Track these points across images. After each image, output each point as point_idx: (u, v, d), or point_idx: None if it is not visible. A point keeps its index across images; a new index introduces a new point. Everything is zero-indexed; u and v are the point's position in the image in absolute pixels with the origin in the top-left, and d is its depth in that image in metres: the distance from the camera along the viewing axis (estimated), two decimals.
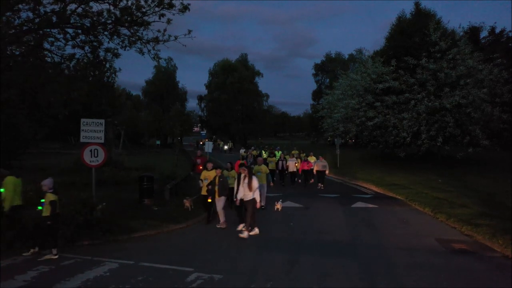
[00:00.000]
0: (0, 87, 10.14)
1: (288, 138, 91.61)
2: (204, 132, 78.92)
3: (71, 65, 11.52)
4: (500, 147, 22.60)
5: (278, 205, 11.77)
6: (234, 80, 61.60)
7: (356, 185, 19.44)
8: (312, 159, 18.81)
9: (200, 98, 69.94)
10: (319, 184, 17.75)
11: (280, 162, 18.19)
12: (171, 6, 10.75)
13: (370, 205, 13.04)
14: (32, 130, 23.21)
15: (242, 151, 31.75)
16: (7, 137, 19.79)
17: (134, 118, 58.70)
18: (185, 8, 10.89)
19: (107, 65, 12.24)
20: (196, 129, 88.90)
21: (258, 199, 9.00)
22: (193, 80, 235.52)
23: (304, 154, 20.61)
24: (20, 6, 10.18)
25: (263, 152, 24.97)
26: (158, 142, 62.04)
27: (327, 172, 18.02)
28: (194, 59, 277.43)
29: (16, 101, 11.61)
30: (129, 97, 70.09)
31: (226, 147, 53.69)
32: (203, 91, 71.65)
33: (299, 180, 18.41)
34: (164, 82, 65.30)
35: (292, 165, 18.13)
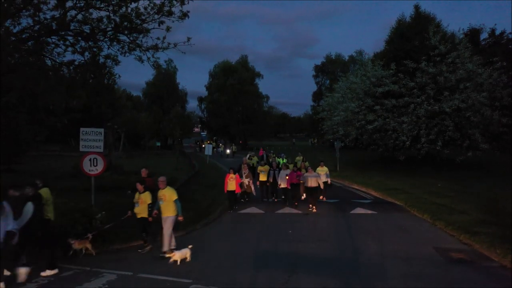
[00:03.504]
0: (0, 90, 10.17)
1: (288, 139, 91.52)
2: (204, 133, 79.06)
3: (71, 67, 11.56)
4: (499, 150, 22.62)
5: (176, 257, 7.78)
6: (234, 82, 61.61)
7: (355, 190, 19.40)
8: (323, 170, 15.00)
9: (200, 100, 69.98)
10: (310, 205, 13.40)
11: (271, 172, 14.98)
12: (170, 13, 10.79)
13: (369, 211, 13.05)
14: (32, 132, 23.21)
15: (247, 156, 26.61)
16: (7, 140, 19.78)
17: (134, 120, 58.81)
18: (184, 15, 10.91)
19: (107, 69, 12.29)
20: (196, 129, 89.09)
21: None
22: (194, 80, 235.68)
23: (307, 163, 16.75)
24: (20, 12, 10.21)
25: (281, 159, 19.93)
26: (158, 144, 62.13)
27: (321, 185, 13.72)
28: (194, 60, 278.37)
29: (16, 104, 11.65)
30: (129, 98, 70.18)
31: (228, 151, 45.55)
32: (204, 91, 71.64)
33: (302, 197, 14.32)
34: (165, 83, 65.48)
35: (285, 180, 14.23)
